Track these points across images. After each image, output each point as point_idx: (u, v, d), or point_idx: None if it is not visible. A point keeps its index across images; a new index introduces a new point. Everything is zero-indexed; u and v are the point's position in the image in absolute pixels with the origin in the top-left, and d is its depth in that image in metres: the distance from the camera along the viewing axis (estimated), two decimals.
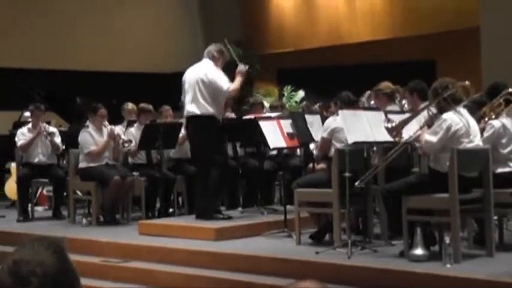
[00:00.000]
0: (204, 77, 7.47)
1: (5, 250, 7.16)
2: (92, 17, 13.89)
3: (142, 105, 9.24)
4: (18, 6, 13.03)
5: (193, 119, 7.54)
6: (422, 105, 6.27)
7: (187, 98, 7.54)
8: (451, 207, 5.54)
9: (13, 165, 9.98)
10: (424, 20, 12.93)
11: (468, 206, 5.69)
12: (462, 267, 5.37)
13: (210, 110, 7.47)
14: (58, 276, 1.72)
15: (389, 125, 5.92)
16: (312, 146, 7.33)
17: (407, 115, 6.27)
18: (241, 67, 7.62)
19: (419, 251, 5.56)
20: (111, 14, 14.12)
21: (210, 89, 7.44)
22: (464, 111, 5.84)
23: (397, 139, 5.92)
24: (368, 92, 7.87)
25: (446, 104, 5.76)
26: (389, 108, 6.97)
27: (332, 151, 6.52)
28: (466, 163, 5.61)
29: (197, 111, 7.47)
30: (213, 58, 7.63)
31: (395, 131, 5.90)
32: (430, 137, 5.70)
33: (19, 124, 10.51)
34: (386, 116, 6.14)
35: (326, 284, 1.70)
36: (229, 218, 7.58)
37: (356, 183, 5.93)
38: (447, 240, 5.45)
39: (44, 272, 1.70)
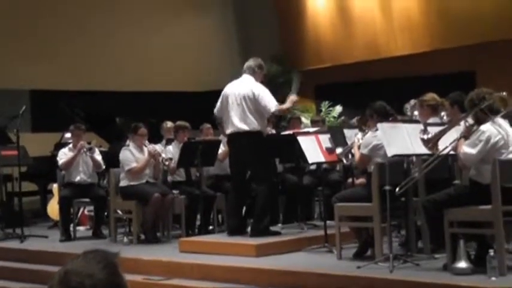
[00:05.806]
0: (251, 93, 7.53)
1: (48, 270, 7.25)
2: (131, 37, 14.04)
3: (179, 122, 9.32)
4: (59, 30, 13.22)
5: (241, 135, 7.56)
6: (459, 117, 6.19)
7: (232, 113, 7.58)
8: (494, 219, 5.46)
9: (55, 186, 10.10)
10: (463, 31, 12.77)
11: None
12: (508, 280, 5.27)
13: (258, 125, 7.54)
14: None
15: (424, 137, 5.82)
16: (338, 150, 7.23)
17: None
18: (295, 97, 7.83)
19: (463, 264, 5.47)
20: (150, 36, 14.25)
21: (257, 106, 7.50)
22: (503, 121, 5.74)
23: (432, 151, 5.83)
24: (413, 101, 7.77)
25: (484, 114, 5.67)
26: (431, 120, 6.88)
27: (371, 165, 6.47)
28: (508, 174, 5.52)
29: (246, 128, 7.51)
30: (253, 73, 7.72)
31: (431, 142, 5.81)
32: (469, 149, 5.60)
33: (60, 145, 10.64)
34: (425, 128, 6.05)
35: None
36: (279, 233, 7.63)
37: (396, 189, 5.86)
38: (491, 252, 5.36)
39: (93, 285, 1.71)
